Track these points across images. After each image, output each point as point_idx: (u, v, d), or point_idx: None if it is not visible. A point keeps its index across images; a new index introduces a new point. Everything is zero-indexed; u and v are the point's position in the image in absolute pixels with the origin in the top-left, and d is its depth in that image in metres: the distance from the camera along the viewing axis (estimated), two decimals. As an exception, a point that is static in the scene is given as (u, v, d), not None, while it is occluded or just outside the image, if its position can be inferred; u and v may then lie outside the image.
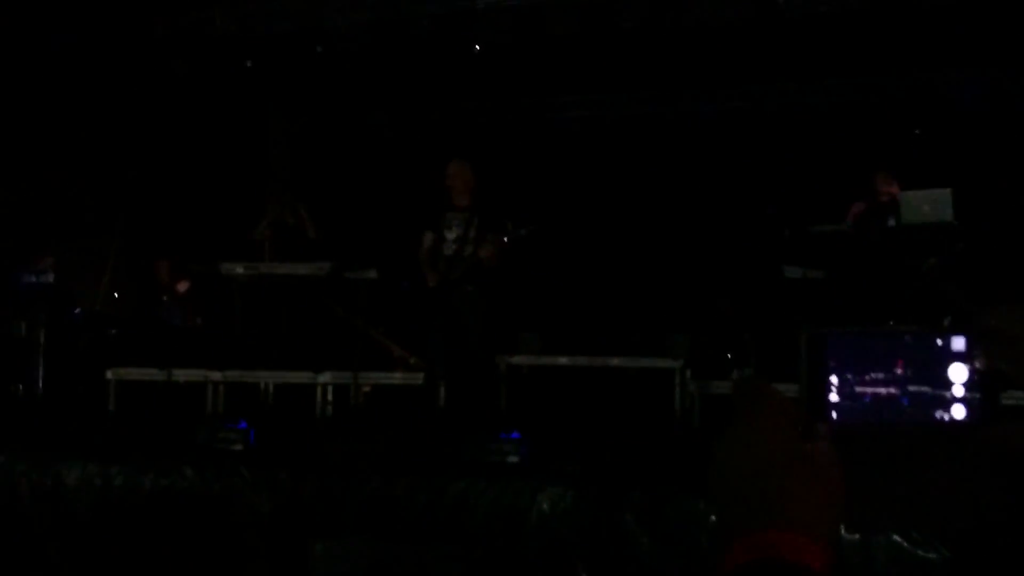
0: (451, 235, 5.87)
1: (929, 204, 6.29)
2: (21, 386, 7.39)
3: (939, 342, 0.69)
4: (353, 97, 10.19)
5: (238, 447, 4.88)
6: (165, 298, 8.70)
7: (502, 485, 4.19)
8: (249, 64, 9.20)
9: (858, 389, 0.68)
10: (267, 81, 9.79)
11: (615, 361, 7.29)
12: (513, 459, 4.58)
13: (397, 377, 7.16)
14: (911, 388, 0.68)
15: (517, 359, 7.31)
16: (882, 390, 0.68)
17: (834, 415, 0.69)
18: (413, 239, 6.12)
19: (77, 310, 8.11)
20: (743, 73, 9.68)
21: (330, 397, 6.96)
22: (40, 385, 7.28)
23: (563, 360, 7.45)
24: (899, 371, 0.68)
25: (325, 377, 6.93)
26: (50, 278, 7.99)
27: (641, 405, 7.10)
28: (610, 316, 8.95)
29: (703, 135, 10.21)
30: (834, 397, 0.69)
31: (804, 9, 7.87)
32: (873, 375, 0.68)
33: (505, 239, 5.70)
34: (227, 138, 9.87)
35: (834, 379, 0.69)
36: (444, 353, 5.96)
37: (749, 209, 9.25)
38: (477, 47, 8.47)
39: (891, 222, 6.57)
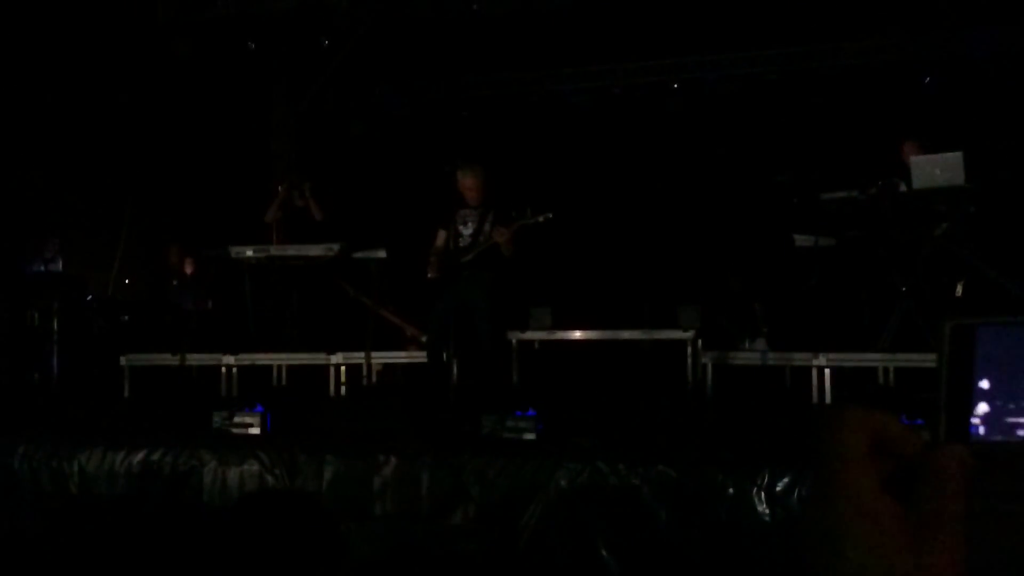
0: (467, 230, 5.94)
1: (941, 168, 6.23)
2: (37, 374, 7.43)
3: None
4: (358, 75, 10.13)
5: (255, 431, 4.90)
6: (175, 282, 8.73)
7: (520, 462, 4.21)
8: (252, 45, 9.14)
9: (1010, 420, 0.52)
10: (270, 61, 9.74)
11: (626, 334, 7.29)
12: (529, 436, 4.59)
13: (409, 356, 7.17)
14: None
15: (528, 334, 7.32)
16: None
17: (981, 431, 0.53)
18: (425, 230, 6.16)
19: (89, 297, 8.13)
20: (749, 38, 9.57)
21: (343, 377, 6.98)
22: (55, 373, 7.32)
23: (574, 334, 7.45)
24: None
25: (337, 357, 6.96)
26: (59, 265, 8.01)
27: (653, 377, 7.10)
28: (620, 289, 8.94)
29: (710, 103, 10.13)
30: (982, 408, 0.53)
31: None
32: None
33: (517, 225, 5.73)
34: (232, 120, 9.84)
35: (984, 384, 0.53)
36: (455, 332, 5.98)
37: (758, 178, 9.19)
38: (475, 6, 8.37)
39: (902, 187, 6.51)
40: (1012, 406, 0.53)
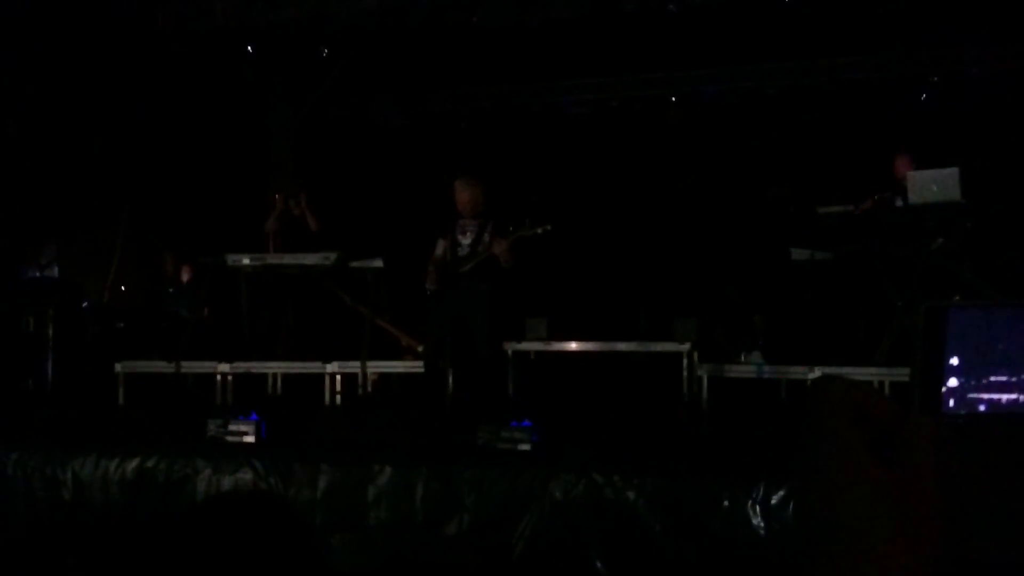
0: (465, 240, 5.92)
1: (937, 183, 6.25)
2: (31, 380, 7.41)
3: None
4: (356, 84, 10.16)
5: (250, 439, 4.89)
6: (171, 290, 8.72)
7: (515, 473, 4.20)
8: (250, 53, 9.16)
9: (971, 395, 0.57)
10: (269, 70, 9.76)
11: (622, 346, 7.29)
12: (525, 447, 4.58)
13: (405, 365, 7.16)
14: None
15: (524, 345, 7.31)
16: (1003, 396, 0.58)
17: (951, 403, 0.57)
18: (423, 239, 6.15)
19: (85, 303, 8.12)
20: (747, 53, 9.62)
21: (339, 387, 6.97)
22: (49, 379, 7.30)
23: (570, 346, 7.45)
24: None
25: (333, 367, 6.94)
26: (55, 272, 8.00)
27: (649, 389, 7.10)
28: (616, 300, 8.94)
29: (707, 117, 10.17)
30: (952, 382, 0.58)
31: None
32: (995, 378, 0.57)
33: (516, 236, 5.73)
34: (230, 128, 9.85)
35: (954, 361, 0.57)
36: (451, 342, 5.98)
37: (755, 191, 9.22)
38: (474, 19, 8.41)
39: (898, 202, 6.54)
40: (975, 382, 0.58)
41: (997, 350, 0.58)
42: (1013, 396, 0.58)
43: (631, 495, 4.03)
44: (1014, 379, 0.58)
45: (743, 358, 7.19)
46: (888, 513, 0.53)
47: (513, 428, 4.66)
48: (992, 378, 0.58)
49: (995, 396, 0.58)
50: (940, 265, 6.22)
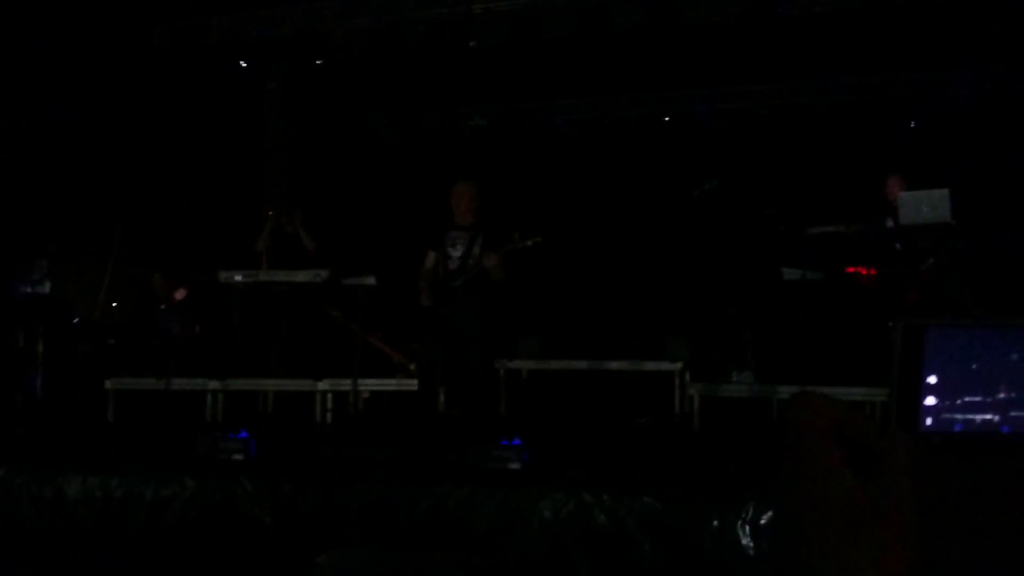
0: (456, 253, 5.84)
1: (927, 204, 6.29)
2: (20, 397, 7.37)
3: None
4: (350, 103, 10.19)
5: (239, 457, 4.86)
6: (163, 307, 8.69)
7: (504, 492, 4.18)
8: (245, 70, 9.19)
9: (945, 416, 0.57)
10: (264, 88, 9.79)
11: (614, 365, 7.29)
12: (515, 466, 4.57)
13: (397, 384, 7.15)
14: (1013, 413, 0.58)
15: (516, 363, 7.31)
16: (977, 416, 0.58)
17: (928, 422, 0.58)
18: (415, 255, 6.11)
19: (76, 320, 8.09)
20: (739, 73, 9.68)
21: (330, 405, 6.95)
22: (39, 396, 7.27)
23: (562, 364, 7.45)
24: (1001, 395, 0.57)
25: (324, 384, 6.93)
26: (46, 288, 7.98)
27: (641, 408, 7.10)
28: (608, 319, 8.95)
29: (699, 136, 10.22)
30: (930, 401, 0.58)
31: (800, 8, 7.87)
32: (969, 398, 0.57)
33: (506, 251, 5.68)
34: (224, 145, 9.87)
35: (932, 379, 0.57)
36: (443, 360, 5.94)
37: (747, 211, 9.25)
38: (472, 43, 8.45)
39: (889, 223, 6.57)
40: (952, 401, 0.58)
41: (973, 370, 0.58)
42: (988, 416, 0.58)
43: (621, 515, 4.02)
44: (989, 399, 0.58)
45: (734, 377, 7.19)
46: (866, 527, 0.53)
47: (504, 447, 4.64)
48: (967, 398, 0.58)
49: (970, 416, 0.58)
50: (931, 285, 6.24)
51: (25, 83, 8.57)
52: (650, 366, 7.07)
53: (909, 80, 9.50)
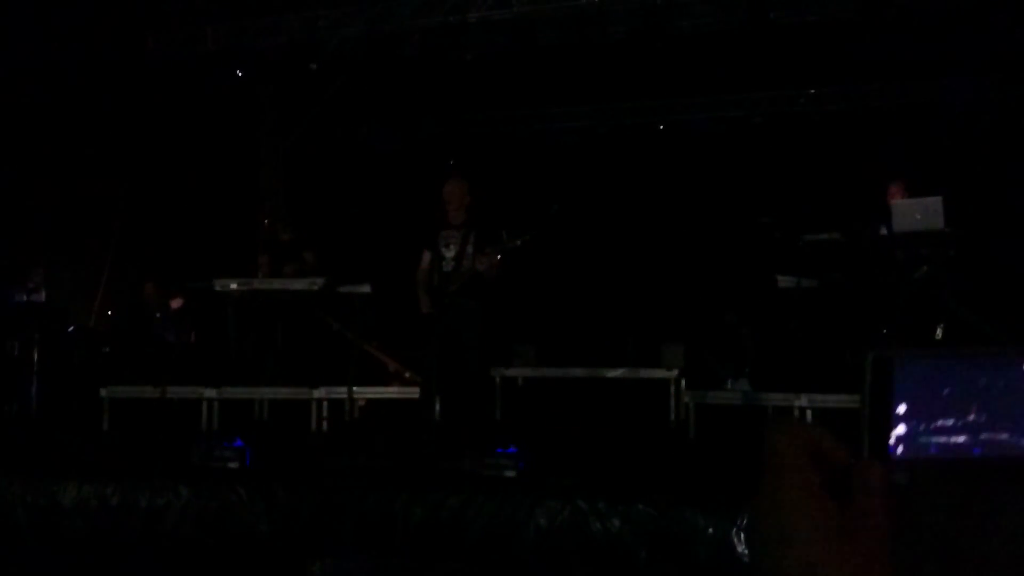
0: (449, 253, 5.84)
1: (920, 212, 6.32)
2: (15, 405, 7.36)
3: None
4: (346, 112, 10.21)
5: (234, 465, 4.86)
6: (158, 315, 8.69)
7: (499, 500, 4.19)
8: (241, 79, 9.21)
9: (922, 439, 0.60)
10: (259, 97, 9.81)
11: (609, 372, 7.30)
12: (510, 473, 4.57)
13: (392, 391, 7.15)
14: (983, 436, 0.60)
15: (512, 371, 7.31)
16: (951, 439, 0.60)
17: (899, 450, 0.60)
18: (409, 257, 6.10)
19: (71, 328, 8.09)
20: (734, 82, 9.72)
21: (325, 413, 6.94)
22: (34, 404, 7.25)
23: (558, 372, 7.45)
24: (972, 417, 0.60)
25: (320, 392, 6.92)
26: (42, 296, 7.97)
27: (636, 416, 7.10)
28: (604, 327, 8.96)
29: (694, 145, 10.25)
30: (900, 429, 0.60)
31: (793, 18, 7.91)
32: (942, 422, 0.60)
33: (499, 255, 5.68)
34: (220, 154, 9.88)
35: (901, 409, 0.60)
36: (440, 366, 5.93)
37: (742, 219, 9.28)
38: (469, 60, 8.49)
39: (883, 230, 6.60)
40: (923, 428, 0.60)
41: (943, 396, 0.60)
42: (960, 439, 0.60)
43: (616, 522, 4.03)
44: (960, 423, 0.60)
45: (730, 385, 7.20)
46: (843, 550, 0.54)
47: (499, 455, 4.65)
48: (940, 422, 0.60)
49: (943, 439, 0.60)
50: (924, 292, 6.27)
51: (20, 93, 8.58)
52: (645, 374, 7.08)
53: (903, 89, 9.55)
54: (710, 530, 3.90)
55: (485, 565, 4.09)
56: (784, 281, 6.71)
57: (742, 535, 3.86)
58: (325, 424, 6.91)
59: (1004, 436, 0.59)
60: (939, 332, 6.15)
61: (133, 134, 9.49)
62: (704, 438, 6.41)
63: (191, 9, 8.80)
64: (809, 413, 6.00)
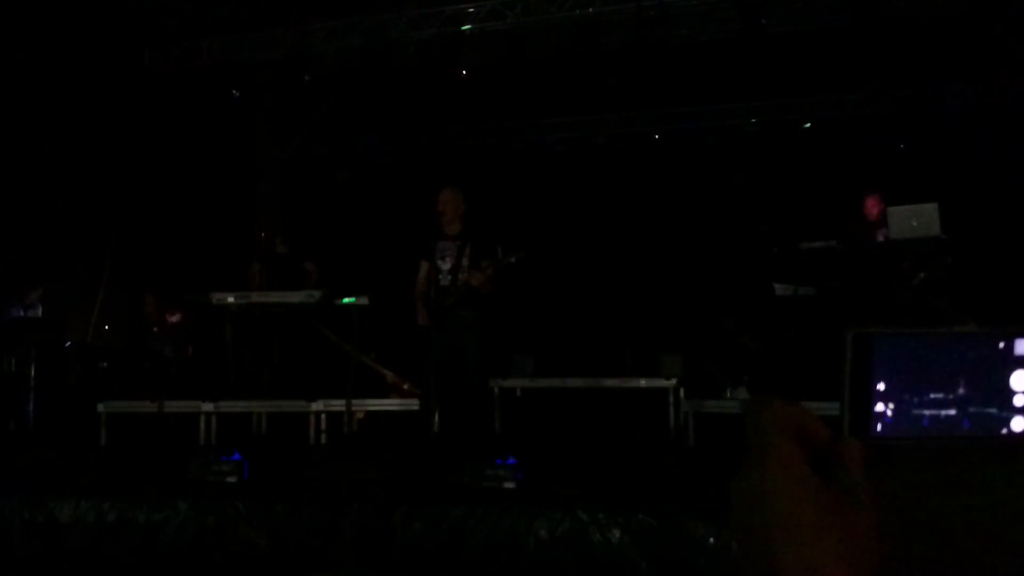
0: (445, 266, 5.85)
1: (917, 219, 6.33)
2: (12, 421, 7.33)
3: (1001, 346, 0.59)
4: (341, 124, 10.22)
5: (232, 479, 4.84)
6: (155, 329, 8.67)
7: (499, 512, 4.17)
8: (236, 93, 9.22)
9: (915, 412, 0.59)
10: (255, 110, 9.81)
11: (608, 382, 7.28)
12: (509, 485, 4.56)
13: (390, 403, 7.13)
14: (972, 409, 0.60)
15: (510, 382, 7.30)
16: (940, 412, 0.60)
17: (879, 428, 0.60)
18: (407, 268, 6.11)
19: (67, 343, 8.06)
20: (729, 91, 9.75)
21: (323, 425, 6.92)
22: (31, 420, 7.22)
23: (556, 382, 7.44)
24: (961, 390, 0.60)
25: (318, 405, 6.90)
26: (39, 312, 7.95)
27: (635, 425, 7.09)
28: (602, 337, 8.95)
29: (690, 154, 10.27)
30: (880, 407, 0.60)
31: (787, 27, 7.94)
32: (932, 395, 0.60)
33: (492, 269, 5.68)
34: (216, 167, 9.88)
35: (881, 386, 0.60)
36: (440, 379, 5.93)
37: (738, 227, 9.29)
38: (464, 72, 8.51)
39: (880, 237, 6.61)
40: (902, 405, 0.60)
41: (924, 373, 0.60)
42: (948, 412, 0.60)
43: (617, 533, 4.01)
44: (950, 396, 0.60)
45: (728, 393, 7.19)
46: (830, 527, 0.54)
47: (498, 466, 4.63)
48: (927, 397, 0.60)
49: (930, 412, 0.60)
50: (921, 299, 6.27)
51: (15, 107, 8.57)
52: (644, 383, 7.07)
53: (896, 96, 9.58)
54: (711, 539, 3.89)
55: (485, 577, 4.07)
56: (781, 289, 6.71)
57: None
58: (323, 437, 6.88)
59: (992, 411, 0.59)
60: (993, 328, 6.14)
61: (129, 148, 9.49)
62: (704, 447, 6.40)
63: (187, 23, 8.81)
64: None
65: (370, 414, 7.16)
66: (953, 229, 6.26)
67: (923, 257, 6.34)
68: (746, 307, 7.92)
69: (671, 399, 6.78)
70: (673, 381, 6.81)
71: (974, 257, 6.84)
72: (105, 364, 8.12)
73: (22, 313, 7.86)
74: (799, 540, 0.54)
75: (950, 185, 7.72)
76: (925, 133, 9.40)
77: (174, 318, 8.60)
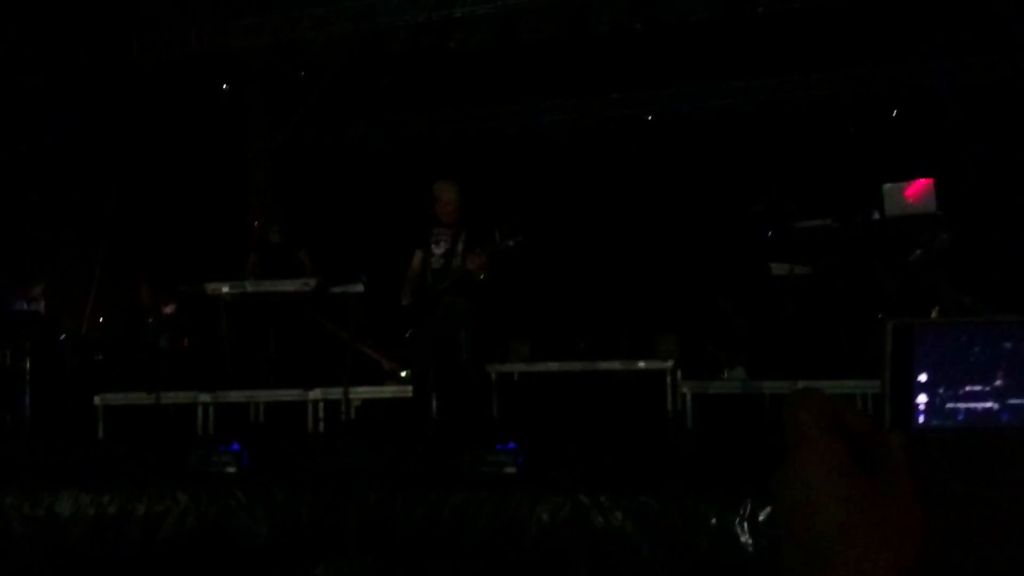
0: (439, 250, 5.81)
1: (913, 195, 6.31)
2: (8, 415, 7.31)
3: None
4: (332, 111, 10.16)
5: (231, 469, 4.83)
6: (151, 320, 8.64)
7: (500, 497, 4.17)
8: (227, 80, 9.15)
9: (949, 405, 0.59)
10: (245, 98, 9.75)
11: (605, 365, 7.28)
12: (510, 470, 4.55)
13: (388, 391, 7.12)
14: (1011, 401, 0.59)
15: (507, 367, 7.30)
16: (978, 405, 0.59)
17: (921, 419, 0.59)
18: (401, 256, 6.08)
19: (62, 336, 8.03)
20: (721, 71, 9.71)
21: (321, 414, 6.92)
22: (28, 414, 7.20)
23: (553, 366, 7.44)
24: (999, 382, 0.58)
25: (316, 393, 6.89)
26: (40, 306, 7.91)
27: (633, 408, 7.10)
28: (598, 320, 8.95)
29: (683, 135, 10.24)
30: (922, 399, 0.59)
31: (779, 4, 7.90)
32: (969, 388, 0.59)
33: (486, 253, 5.64)
34: (207, 156, 9.82)
35: (923, 377, 0.59)
36: (435, 364, 5.91)
37: (733, 207, 9.28)
38: (452, 44, 8.44)
39: (875, 215, 6.59)
40: (944, 396, 0.59)
41: (964, 364, 0.59)
42: (987, 404, 0.59)
43: (618, 516, 4.01)
44: (988, 388, 0.59)
45: (726, 374, 7.20)
46: (871, 521, 0.54)
47: (498, 451, 4.63)
48: (966, 388, 0.59)
49: (970, 405, 0.59)
50: (918, 276, 6.26)
51: (6, 101, 8.51)
52: (641, 365, 7.07)
53: (890, 73, 9.55)
54: (713, 520, 3.89)
55: (488, 563, 4.07)
56: (778, 268, 6.70)
57: (745, 524, 3.84)
58: (322, 425, 6.88)
59: None
60: (935, 315, 6.15)
61: (120, 138, 9.42)
62: (703, 428, 6.41)
63: (175, 11, 8.74)
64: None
65: (368, 402, 7.15)
66: (950, 206, 6.24)
67: (920, 234, 6.33)
68: (742, 288, 7.92)
69: (668, 380, 6.78)
70: (670, 363, 6.81)
71: (972, 233, 6.83)
72: (101, 356, 8.09)
73: (24, 307, 7.82)
74: (846, 538, 0.53)
75: (946, 162, 7.71)
76: (920, 108, 9.39)
77: (169, 309, 8.56)
